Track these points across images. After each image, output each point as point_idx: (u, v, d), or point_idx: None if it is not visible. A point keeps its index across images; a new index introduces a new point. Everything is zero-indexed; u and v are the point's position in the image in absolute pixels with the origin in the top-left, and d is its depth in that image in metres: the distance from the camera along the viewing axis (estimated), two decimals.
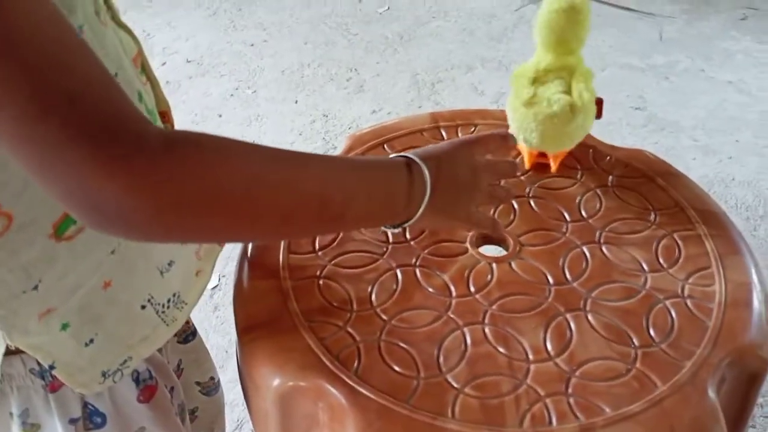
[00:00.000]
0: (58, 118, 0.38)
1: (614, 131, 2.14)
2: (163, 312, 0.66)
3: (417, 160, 0.61)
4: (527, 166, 0.90)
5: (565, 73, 0.85)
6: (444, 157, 0.64)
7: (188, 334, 0.82)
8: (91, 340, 0.60)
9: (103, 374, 0.63)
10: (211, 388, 0.83)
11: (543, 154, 0.90)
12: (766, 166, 2.13)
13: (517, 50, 2.72)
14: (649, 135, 2.22)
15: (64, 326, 0.58)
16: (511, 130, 0.88)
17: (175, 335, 0.73)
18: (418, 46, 2.78)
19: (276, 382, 0.67)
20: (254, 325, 0.72)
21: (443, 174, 0.62)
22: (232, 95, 2.50)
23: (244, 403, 0.79)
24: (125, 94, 0.42)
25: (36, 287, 0.54)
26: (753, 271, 0.76)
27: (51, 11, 0.40)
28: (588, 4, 0.83)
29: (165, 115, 0.67)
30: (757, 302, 0.73)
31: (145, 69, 0.64)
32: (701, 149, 2.19)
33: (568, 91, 0.83)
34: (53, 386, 0.60)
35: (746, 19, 2.88)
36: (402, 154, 0.63)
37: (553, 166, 0.89)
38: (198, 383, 0.84)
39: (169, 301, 0.67)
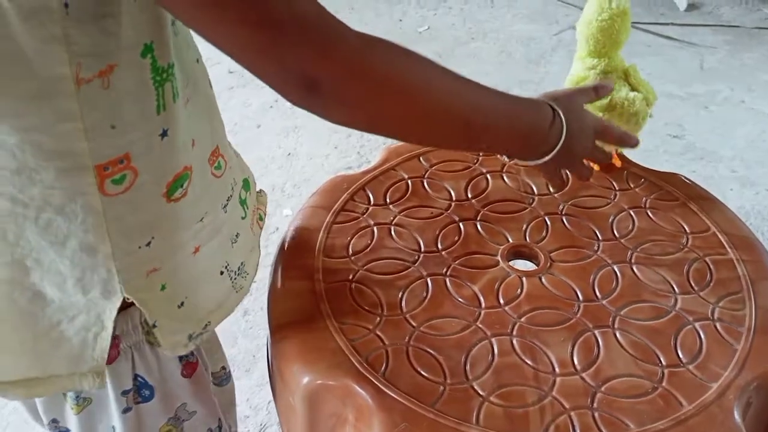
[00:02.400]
0: (280, 29, 0.46)
1: (652, 158, 2.13)
2: (234, 279, 0.71)
3: (555, 107, 0.69)
4: (597, 167, 0.93)
5: (618, 73, 0.90)
6: (571, 103, 0.72)
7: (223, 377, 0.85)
8: (182, 303, 0.65)
9: (189, 336, 0.67)
10: (222, 377, 0.85)
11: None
12: None
13: (555, 73, 2.73)
14: (686, 163, 2.21)
15: (163, 287, 0.62)
16: None
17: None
18: (456, 66, 2.80)
19: (305, 379, 0.69)
20: (287, 324, 0.74)
21: (573, 118, 0.70)
22: (271, 107, 2.55)
23: (267, 407, 0.81)
24: None
25: (149, 244, 0.59)
26: None
27: None
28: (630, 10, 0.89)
29: None
30: None
31: None
32: (739, 180, 2.16)
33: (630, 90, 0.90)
34: (110, 358, 0.62)
35: None
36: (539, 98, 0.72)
37: (619, 162, 0.94)
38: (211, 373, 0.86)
39: (238, 269, 0.72)
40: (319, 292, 0.77)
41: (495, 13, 3.25)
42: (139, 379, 0.67)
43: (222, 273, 0.69)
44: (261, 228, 0.79)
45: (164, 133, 0.55)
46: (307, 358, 0.71)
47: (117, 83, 0.50)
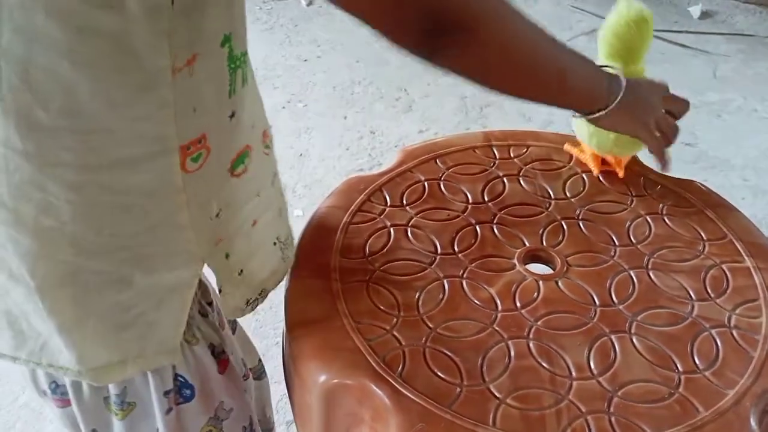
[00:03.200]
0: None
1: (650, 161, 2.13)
2: (283, 249, 0.76)
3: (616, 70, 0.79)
4: (596, 171, 0.95)
5: None
6: (638, 82, 0.80)
7: (234, 324, 0.87)
8: (241, 271, 0.69)
9: (247, 302, 0.73)
10: (260, 371, 0.88)
11: (606, 161, 0.95)
12: None
13: None
14: (698, 172, 2.20)
15: (227, 255, 0.66)
16: (580, 137, 0.95)
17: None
18: None
19: (322, 378, 0.70)
20: (304, 322, 0.74)
21: (633, 87, 0.77)
22: (283, 107, 2.56)
23: (276, 406, 0.82)
24: None
25: (218, 215, 0.63)
26: None
27: None
28: (652, 17, 0.89)
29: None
30: None
31: None
32: (751, 189, 2.16)
33: None
34: None
35: None
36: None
37: (621, 172, 0.94)
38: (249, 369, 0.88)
39: (285, 240, 0.77)
40: (336, 292, 0.77)
41: None
42: (180, 378, 0.68)
43: (275, 244, 0.75)
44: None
45: (233, 115, 0.60)
46: (324, 357, 0.71)
47: (199, 70, 0.53)
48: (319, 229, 0.86)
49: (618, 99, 0.75)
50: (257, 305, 0.75)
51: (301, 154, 2.32)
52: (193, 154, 0.57)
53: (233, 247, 0.67)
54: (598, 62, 0.90)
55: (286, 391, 0.83)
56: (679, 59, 2.86)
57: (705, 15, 3.20)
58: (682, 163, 2.25)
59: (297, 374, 0.74)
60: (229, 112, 0.59)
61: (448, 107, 2.58)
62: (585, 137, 0.93)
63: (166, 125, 0.54)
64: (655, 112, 0.82)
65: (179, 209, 0.59)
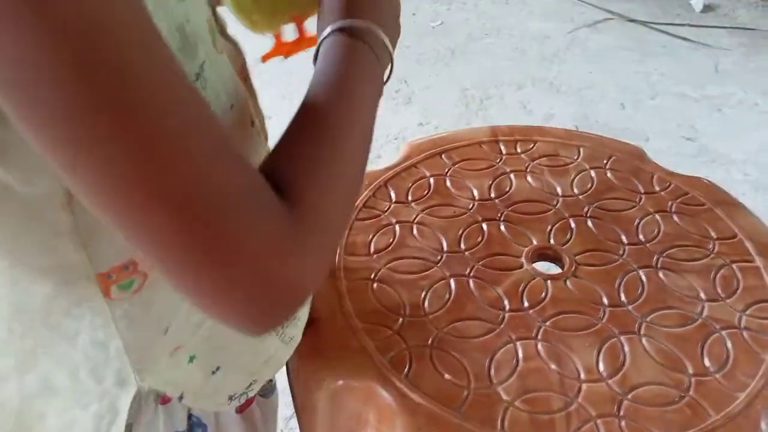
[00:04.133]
0: (198, 270, 0.37)
1: (664, 160, 2.12)
2: (282, 333, 0.66)
3: (353, 24, 0.53)
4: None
5: None
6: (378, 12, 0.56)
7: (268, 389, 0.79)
8: (218, 368, 0.60)
9: (230, 397, 0.63)
10: (267, 390, 0.82)
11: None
12: None
13: (568, 71, 2.71)
14: (699, 166, 2.19)
15: (191, 358, 0.57)
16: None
17: None
18: (469, 61, 2.79)
19: (327, 379, 0.68)
20: (308, 322, 0.73)
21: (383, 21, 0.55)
22: (284, 98, 2.54)
23: (283, 415, 0.80)
24: (257, 182, 0.39)
25: (166, 331, 0.54)
26: None
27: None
28: None
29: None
30: None
31: (247, 81, 0.61)
32: (752, 184, 2.15)
33: None
34: (164, 399, 0.58)
35: None
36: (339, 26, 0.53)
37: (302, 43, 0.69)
38: None
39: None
40: (342, 291, 0.76)
41: (509, 9, 3.23)
42: (193, 418, 0.63)
43: None
44: None
45: None
46: (329, 357, 0.70)
47: None
48: None
49: (390, 48, 0.55)
50: (246, 397, 0.65)
51: None
52: (119, 281, 0.49)
53: (200, 348, 0.57)
54: None
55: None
56: (680, 52, 2.84)
57: (707, 8, 3.18)
58: (683, 156, 2.24)
59: (301, 375, 0.73)
60: None
61: (449, 99, 2.56)
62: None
63: (67, 253, 0.46)
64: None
65: (107, 333, 0.51)
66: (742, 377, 0.68)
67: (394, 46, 0.56)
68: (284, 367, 0.79)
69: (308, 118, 0.47)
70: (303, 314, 0.69)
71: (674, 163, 0.88)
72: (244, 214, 0.37)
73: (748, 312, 0.75)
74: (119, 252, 0.47)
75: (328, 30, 0.52)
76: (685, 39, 2.92)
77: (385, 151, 2.26)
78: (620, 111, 2.51)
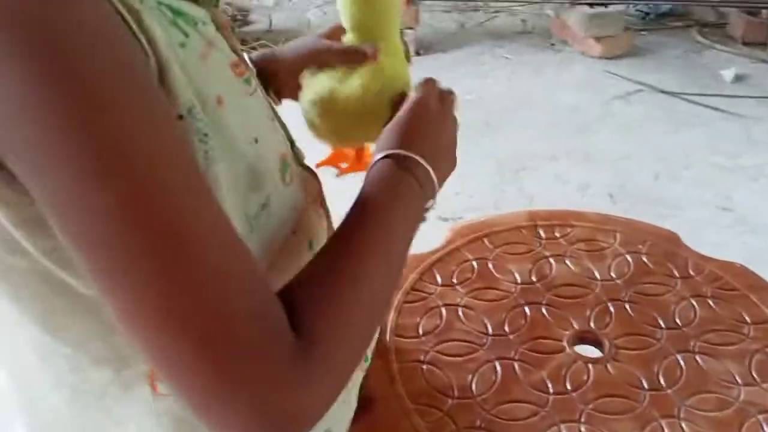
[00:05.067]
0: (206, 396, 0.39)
1: (701, 230, 2.14)
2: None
3: (403, 153, 0.55)
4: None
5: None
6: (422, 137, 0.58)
7: None
8: None
9: None
10: None
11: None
12: None
13: (601, 142, 2.77)
14: (736, 236, 2.21)
15: None
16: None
17: None
18: (504, 133, 2.88)
19: None
20: (361, 403, 0.78)
21: (427, 151, 0.56)
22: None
23: None
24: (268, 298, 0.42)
25: None
26: None
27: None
28: None
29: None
30: None
31: (323, 205, 0.65)
32: None
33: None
34: None
35: None
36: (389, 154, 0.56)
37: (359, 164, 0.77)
38: None
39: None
40: (393, 372, 0.81)
41: (541, 82, 3.32)
42: None
43: None
44: None
45: None
46: None
47: None
48: None
49: (435, 183, 0.57)
50: None
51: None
52: None
53: None
54: (345, 37, 0.70)
55: None
56: (712, 123, 2.89)
57: (737, 78, 3.24)
58: (719, 227, 2.26)
59: None
60: None
61: (485, 170, 2.63)
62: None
63: (124, 346, 0.49)
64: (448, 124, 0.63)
65: (153, 428, 0.53)
66: None
67: (442, 180, 0.58)
68: None
69: (340, 246, 0.49)
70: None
71: (711, 233, 0.92)
72: (249, 341, 0.39)
73: None
74: None
75: (379, 155, 0.55)
76: (716, 109, 2.97)
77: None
78: (655, 181, 2.55)
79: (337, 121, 0.67)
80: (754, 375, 0.80)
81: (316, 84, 0.67)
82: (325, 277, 0.46)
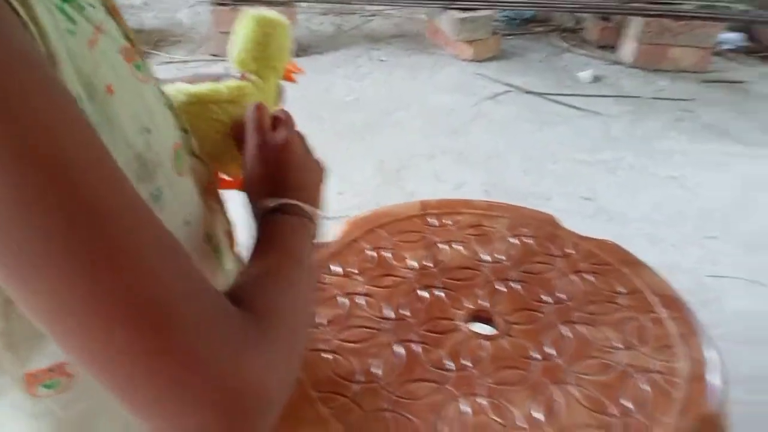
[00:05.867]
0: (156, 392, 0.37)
1: (567, 220, 2.29)
2: None
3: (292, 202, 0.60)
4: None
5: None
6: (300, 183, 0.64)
7: None
8: None
9: None
10: None
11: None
12: (705, 256, 2.30)
13: (474, 141, 2.90)
14: (599, 225, 2.38)
15: None
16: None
17: None
18: (381, 135, 2.94)
19: None
20: None
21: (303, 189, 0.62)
22: None
23: None
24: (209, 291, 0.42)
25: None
26: (709, 349, 0.87)
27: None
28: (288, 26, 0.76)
29: None
30: (714, 377, 0.82)
31: (213, 196, 0.66)
32: (647, 238, 2.35)
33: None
34: None
35: (683, 121, 3.15)
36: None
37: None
38: None
39: None
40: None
41: (417, 84, 3.42)
42: None
43: None
44: None
45: None
46: (288, 428, 0.74)
47: None
48: None
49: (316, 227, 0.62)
50: None
51: None
52: (43, 381, 0.48)
53: None
54: (232, 67, 0.75)
55: None
56: (574, 121, 3.10)
57: (595, 79, 3.49)
58: (583, 216, 2.43)
59: None
60: None
61: (367, 170, 2.67)
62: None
63: None
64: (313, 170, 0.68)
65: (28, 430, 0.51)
66: (659, 415, 0.78)
67: (319, 207, 0.63)
68: None
69: (265, 262, 0.53)
70: None
71: (576, 222, 1.00)
72: (193, 316, 0.38)
73: (657, 357, 0.85)
74: (48, 356, 0.47)
75: (268, 205, 0.59)
76: (577, 108, 3.19)
77: None
78: (525, 176, 2.70)
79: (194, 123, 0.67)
80: (632, 340, 0.87)
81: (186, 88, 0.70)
82: (258, 277, 0.50)
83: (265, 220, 0.59)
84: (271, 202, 0.59)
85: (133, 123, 0.47)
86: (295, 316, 0.50)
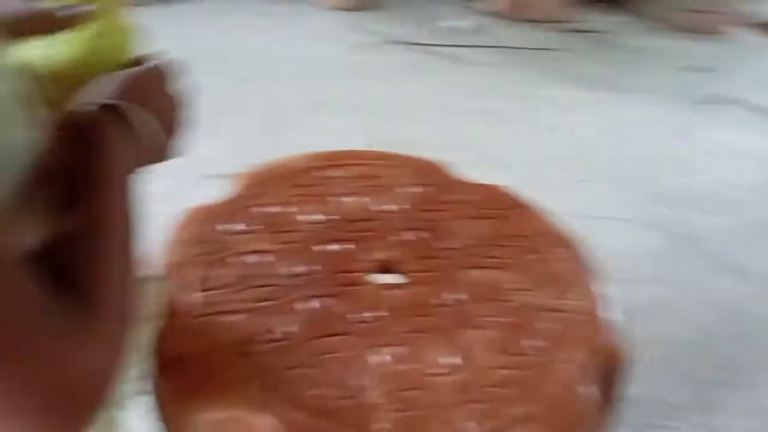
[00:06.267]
0: None
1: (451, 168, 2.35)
2: None
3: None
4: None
5: None
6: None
7: None
8: None
9: None
10: None
11: None
12: (581, 197, 2.43)
13: (352, 93, 2.87)
14: (482, 172, 2.44)
15: None
16: None
17: None
18: (261, 87, 2.84)
19: (206, 415, 0.69)
20: (177, 360, 0.73)
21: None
22: None
23: None
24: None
25: None
26: (601, 285, 0.91)
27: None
28: None
29: None
30: (610, 311, 0.87)
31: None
32: (528, 184, 2.43)
33: None
34: None
35: (553, 70, 3.28)
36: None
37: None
38: None
39: None
40: (198, 329, 0.77)
41: (290, 35, 3.33)
42: None
43: None
44: None
45: None
46: (205, 392, 0.71)
47: None
48: (172, 266, 0.84)
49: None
50: None
51: None
52: None
53: None
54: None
55: None
56: (447, 71, 3.15)
57: (469, 29, 3.55)
58: (465, 165, 2.48)
59: (176, 414, 0.72)
60: None
61: (247, 125, 2.58)
62: None
63: None
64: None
65: None
66: (567, 351, 0.80)
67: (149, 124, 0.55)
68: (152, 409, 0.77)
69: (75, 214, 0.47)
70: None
71: (459, 170, 1.02)
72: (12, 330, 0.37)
73: (559, 296, 0.88)
74: None
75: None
76: (452, 58, 3.23)
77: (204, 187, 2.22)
78: (405, 127, 2.71)
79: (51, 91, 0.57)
80: (534, 280, 0.90)
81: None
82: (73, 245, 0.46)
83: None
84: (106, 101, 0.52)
85: None
86: (117, 279, 0.47)
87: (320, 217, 0.95)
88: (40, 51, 0.58)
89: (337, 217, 0.96)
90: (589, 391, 0.76)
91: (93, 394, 0.42)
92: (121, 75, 0.57)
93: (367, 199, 1.00)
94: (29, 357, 0.38)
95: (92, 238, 0.46)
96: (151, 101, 0.57)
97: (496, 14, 3.76)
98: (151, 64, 0.60)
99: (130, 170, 0.53)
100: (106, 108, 0.52)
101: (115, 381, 0.44)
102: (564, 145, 2.71)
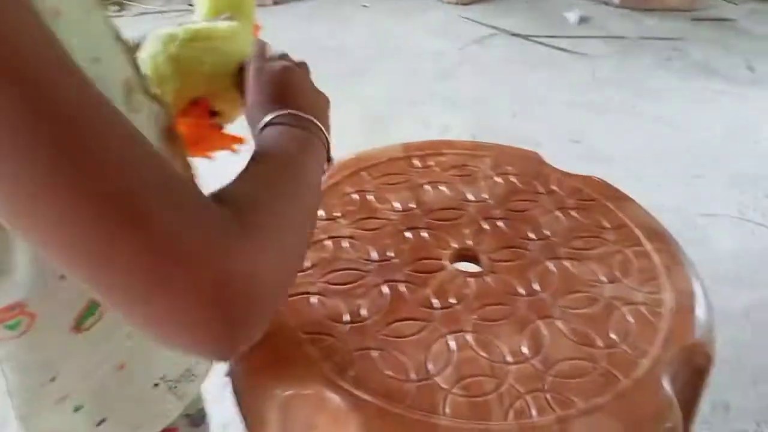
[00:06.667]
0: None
1: (556, 161, 2.29)
2: (175, 387, 0.65)
3: (293, 112, 0.59)
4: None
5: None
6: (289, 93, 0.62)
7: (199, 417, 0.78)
8: (103, 420, 0.59)
9: None
10: (198, 419, 0.79)
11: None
12: (691, 194, 2.31)
13: (460, 86, 2.86)
14: (586, 166, 2.37)
15: (77, 408, 0.57)
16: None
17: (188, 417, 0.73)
18: (368, 80, 2.89)
19: (277, 391, 0.73)
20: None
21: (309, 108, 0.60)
22: None
23: None
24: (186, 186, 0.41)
25: (53, 379, 0.53)
26: (694, 280, 0.87)
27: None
28: None
29: None
30: (698, 307, 0.83)
31: (174, 142, 0.63)
32: (634, 177, 2.35)
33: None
34: None
35: (671, 60, 3.12)
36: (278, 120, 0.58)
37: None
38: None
39: (181, 376, 0.66)
40: (284, 306, 0.81)
41: (401, 29, 3.36)
42: None
43: (157, 385, 0.63)
44: None
45: (64, 276, 0.49)
46: (278, 369, 0.74)
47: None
48: None
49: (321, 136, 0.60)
50: None
51: None
52: (5, 321, 0.48)
53: (87, 400, 0.56)
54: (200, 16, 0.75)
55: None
56: (559, 63, 3.06)
57: (582, 20, 3.44)
58: (570, 158, 2.41)
59: (249, 389, 0.77)
60: (60, 272, 0.48)
61: (350, 117, 2.64)
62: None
63: None
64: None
65: None
66: (643, 345, 0.78)
67: (328, 132, 0.61)
68: (230, 384, 0.83)
69: (259, 164, 0.52)
70: (202, 370, 0.69)
71: (563, 163, 1.00)
72: (171, 209, 0.37)
73: (642, 289, 0.85)
74: (7, 293, 0.47)
75: (267, 119, 0.57)
76: (563, 50, 3.14)
77: None
78: (512, 119, 2.68)
79: (187, 68, 0.68)
80: (616, 273, 0.87)
81: (165, 35, 0.69)
82: (245, 181, 0.48)
83: (267, 133, 0.57)
84: (272, 114, 0.57)
85: (81, 50, 0.44)
86: (286, 219, 0.48)
87: (407, 204, 0.97)
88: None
89: (423, 205, 0.97)
90: (664, 387, 0.73)
91: (250, 300, 0.40)
92: (276, 72, 0.63)
93: (455, 188, 1.01)
94: (191, 250, 0.37)
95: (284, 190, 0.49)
96: (308, 100, 0.62)
97: (614, 3, 3.62)
98: (297, 61, 0.66)
99: (321, 174, 0.59)
100: (287, 121, 0.57)
101: (283, 294, 0.46)
102: (679, 139, 2.58)
